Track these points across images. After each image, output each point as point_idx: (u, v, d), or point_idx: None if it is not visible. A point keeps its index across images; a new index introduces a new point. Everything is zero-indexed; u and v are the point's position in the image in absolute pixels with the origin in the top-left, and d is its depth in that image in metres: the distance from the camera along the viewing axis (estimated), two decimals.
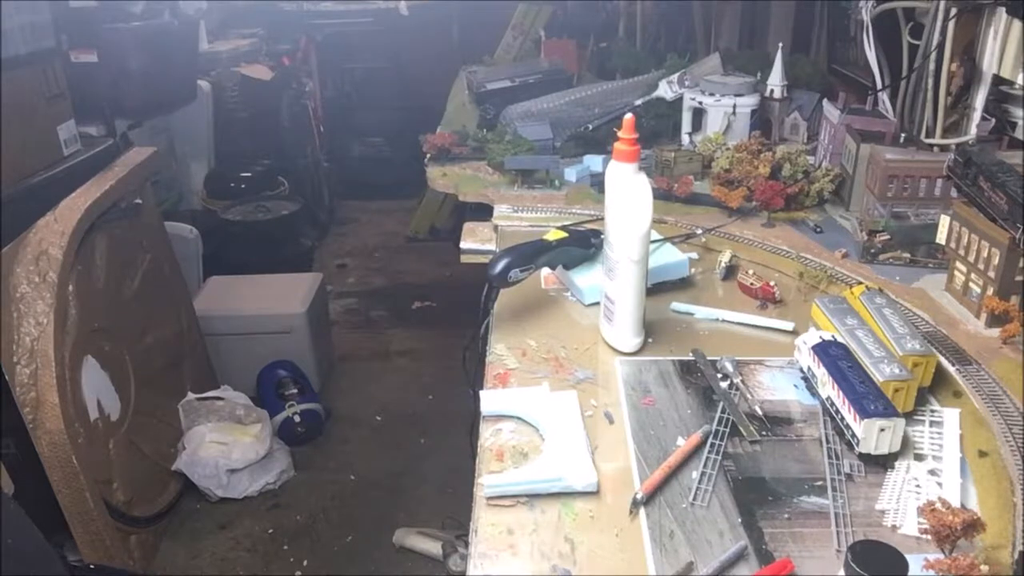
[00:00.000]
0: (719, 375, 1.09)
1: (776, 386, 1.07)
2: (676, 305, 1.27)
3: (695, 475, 0.90)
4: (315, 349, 2.99)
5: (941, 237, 1.28)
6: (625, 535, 0.82)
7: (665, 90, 2.07)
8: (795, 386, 1.07)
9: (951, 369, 1.07)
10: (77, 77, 2.44)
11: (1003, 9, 1.31)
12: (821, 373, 1.01)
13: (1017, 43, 1.29)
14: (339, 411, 2.99)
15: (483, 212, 1.70)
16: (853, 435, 0.93)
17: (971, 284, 1.21)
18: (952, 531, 0.75)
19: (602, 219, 1.21)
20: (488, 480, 0.88)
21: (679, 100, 2.03)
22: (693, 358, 1.13)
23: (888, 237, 1.38)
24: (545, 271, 1.34)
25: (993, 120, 1.41)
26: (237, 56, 3.93)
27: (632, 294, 1.11)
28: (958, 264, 1.24)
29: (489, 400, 1.02)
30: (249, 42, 4.12)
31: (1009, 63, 1.32)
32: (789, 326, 1.20)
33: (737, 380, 1.07)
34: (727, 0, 2.52)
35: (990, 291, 1.16)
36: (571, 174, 1.79)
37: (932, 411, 1.01)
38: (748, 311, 1.25)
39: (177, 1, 3.46)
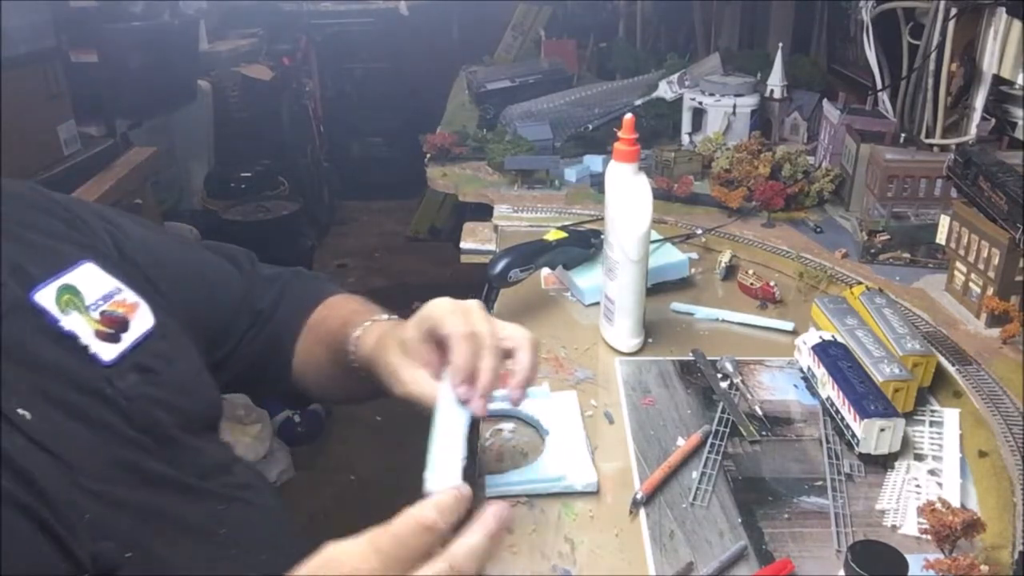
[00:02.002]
0: (719, 375, 1.09)
1: (776, 386, 1.07)
2: (676, 305, 1.27)
3: (695, 475, 0.90)
4: None
5: (941, 237, 1.28)
6: (625, 535, 0.82)
7: (665, 90, 2.07)
8: (795, 386, 1.07)
9: (951, 369, 1.06)
10: (77, 77, 2.44)
11: (1003, 9, 1.31)
12: (821, 373, 1.01)
13: (1017, 43, 1.29)
14: (339, 411, 2.99)
15: (483, 212, 1.70)
16: (853, 435, 0.93)
17: (971, 284, 1.21)
18: (952, 531, 0.75)
19: (602, 219, 1.21)
20: (488, 480, 0.88)
21: (679, 100, 2.03)
22: (693, 358, 1.13)
23: (888, 237, 1.38)
24: (545, 271, 1.34)
25: (993, 120, 1.41)
26: (237, 56, 3.93)
27: (632, 294, 1.11)
28: (958, 264, 1.24)
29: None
30: (249, 42, 4.12)
31: (1009, 63, 1.32)
32: (789, 326, 1.20)
33: (737, 380, 1.07)
34: (727, 0, 2.52)
35: (990, 291, 1.16)
36: (571, 174, 1.79)
37: (932, 411, 1.01)
38: (748, 311, 1.25)
39: (177, 1, 3.46)
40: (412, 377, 0.81)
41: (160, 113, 3.32)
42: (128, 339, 0.77)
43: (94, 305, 0.77)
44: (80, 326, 0.75)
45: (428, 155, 1.99)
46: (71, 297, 0.76)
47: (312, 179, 4.40)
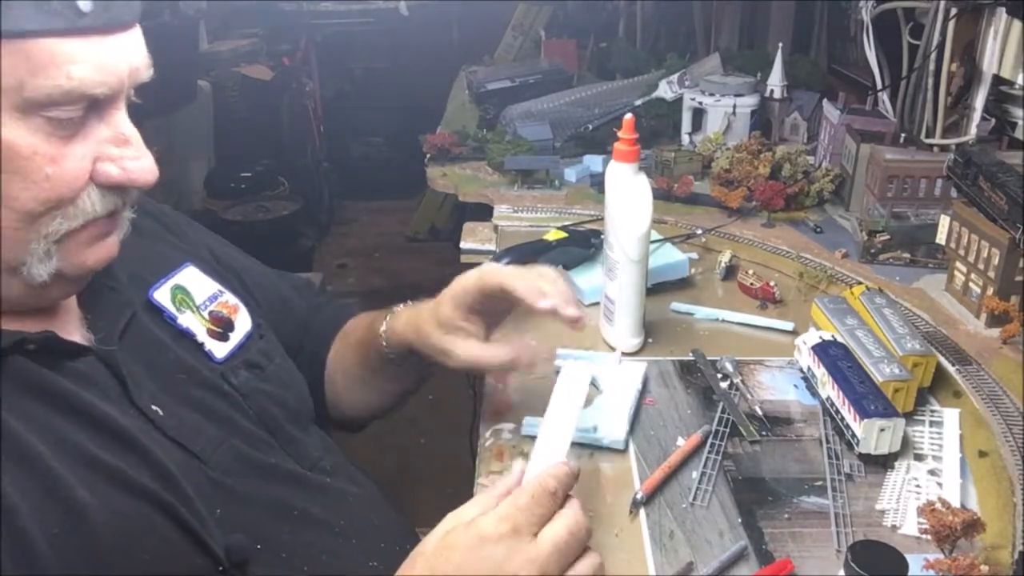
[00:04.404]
0: (719, 375, 1.09)
1: (776, 386, 1.07)
2: (676, 305, 1.27)
3: (695, 475, 0.90)
4: None
5: (941, 237, 1.28)
6: (625, 535, 0.82)
7: (665, 90, 2.07)
8: (795, 386, 1.07)
9: (951, 369, 1.07)
10: None
11: (1003, 9, 1.31)
12: (821, 373, 1.01)
13: (1017, 43, 1.29)
14: None
15: (483, 212, 1.70)
16: (853, 435, 0.93)
17: (971, 284, 1.21)
18: (952, 531, 0.75)
19: (602, 219, 1.21)
20: (526, 421, 0.94)
21: (679, 100, 2.03)
22: (693, 358, 1.13)
23: (888, 237, 1.38)
24: None
25: (993, 120, 1.41)
26: (237, 56, 3.93)
27: (632, 294, 1.11)
28: (958, 264, 1.24)
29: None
30: (249, 42, 4.12)
31: (1009, 63, 1.32)
32: (789, 326, 1.20)
33: (737, 380, 1.07)
34: (727, 0, 2.52)
35: (990, 291, 1.16)
36: (571, 174, 1.79)
37: (932, 411, 1.01)
38: (748, 311, 1.25)
39: (177, 1, 3.46)
40: (466, 348, 0.87)
41: (160, 113, 3.32)
42: (235, 338, 0.81)
43: (203, 305, 0.80)
44: (194, 324, 0.77)
45: (428, 155, 1.99)
46: (184, 297, 0.78)
47: (312, 179, 4.40)
